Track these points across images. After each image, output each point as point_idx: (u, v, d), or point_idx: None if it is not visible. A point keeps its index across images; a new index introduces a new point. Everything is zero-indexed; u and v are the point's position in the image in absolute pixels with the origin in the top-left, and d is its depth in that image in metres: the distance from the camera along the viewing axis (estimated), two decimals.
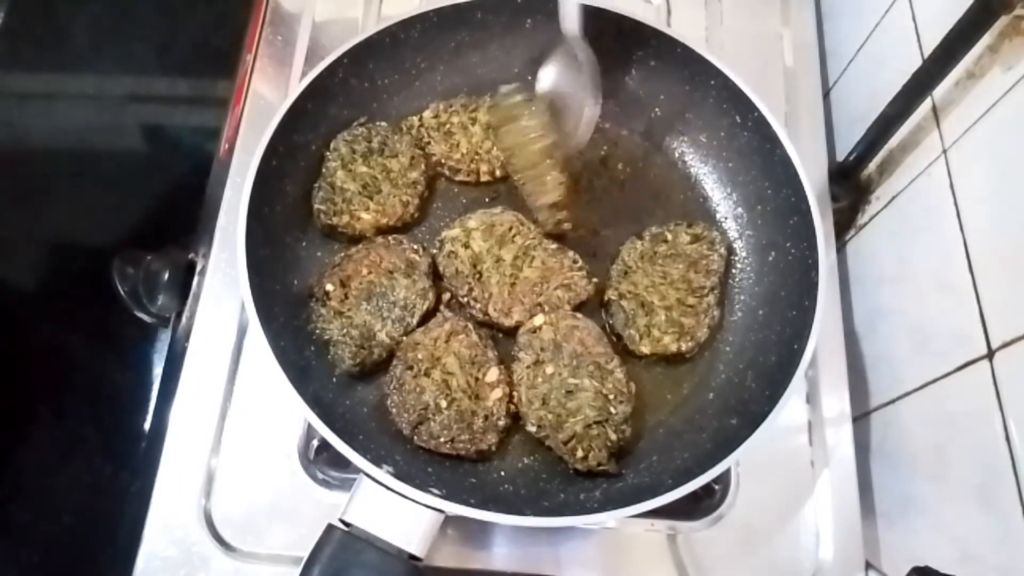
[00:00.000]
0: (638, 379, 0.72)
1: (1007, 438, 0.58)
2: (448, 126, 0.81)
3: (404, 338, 0.71)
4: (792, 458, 0.75)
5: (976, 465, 0.61)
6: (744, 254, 0.79)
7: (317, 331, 0.72)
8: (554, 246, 0.75)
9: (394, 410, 0.68)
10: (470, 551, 0.70)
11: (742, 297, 0.77)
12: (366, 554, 0.58)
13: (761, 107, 0.75)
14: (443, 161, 0.81)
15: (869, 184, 0.83)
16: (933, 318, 0.69)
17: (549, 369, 0.69)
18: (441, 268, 0.74)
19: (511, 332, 0.73)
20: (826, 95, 0.94)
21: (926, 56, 0.71)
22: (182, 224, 0.91)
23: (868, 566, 0.71)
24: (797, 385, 0.64)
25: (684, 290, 0.74)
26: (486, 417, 0.68)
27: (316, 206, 0.76)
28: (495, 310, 0.73)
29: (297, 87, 0.74)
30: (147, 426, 0.77)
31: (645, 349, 0.73)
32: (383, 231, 0.77)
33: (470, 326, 0.71)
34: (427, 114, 0.82)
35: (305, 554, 0.58)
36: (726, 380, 0.73)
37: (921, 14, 0.76)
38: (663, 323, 0.73)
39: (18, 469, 0.82)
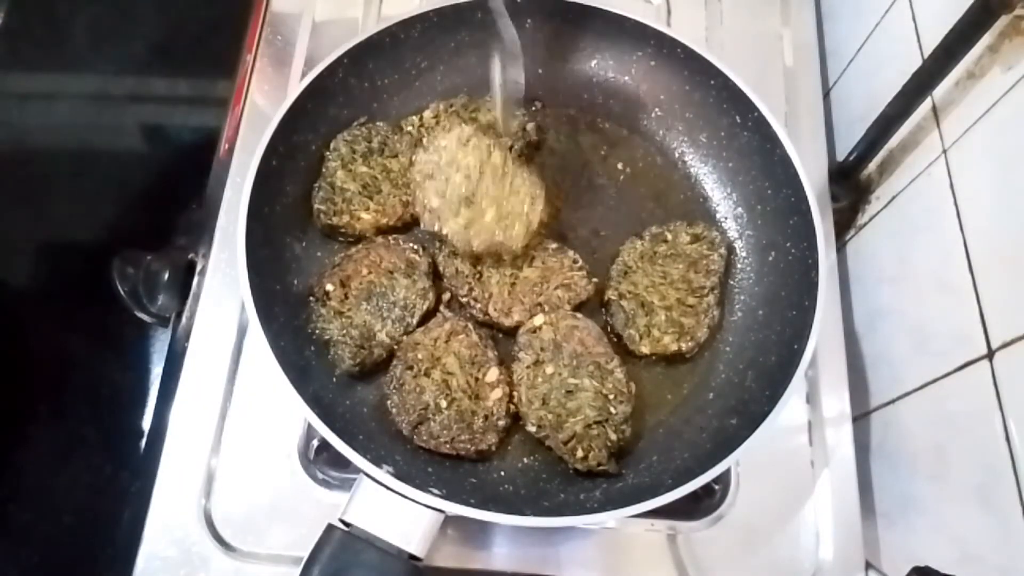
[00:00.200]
0: (638, 379, 0.71)
1: (1007, 438, 0.58)
2: (448, 126, 0.81)
3: (404, 338, 0.71)
4: (792, 458, 0.75)
5: (976, 465, 0.61)
6: (744, 254, 0.79)
7: (317, 331, 0.72)
8: (554, 246, 0.75)
9: (394, 410, 0.68)
10: (470, 551, 0.70)
11: (742, 297, 0.77)
12: (366, 554, 0.58)
13: (761, 107, 0.75)
14: None
15: (869, 184, 0.83)
16: (933, 318, 0.69)
17: (549, 369, 0.69)
18: (441, 268, 0.74)
19: (511, 332, 0.73)
20: (826, 95, 0.94)
21: (926, 56, 0.71)
22: (182, 224, 0.91)
23: (868, 566, 0.71)
24: (797, 385, 0.64)
25: (684, 290, 0.74)
26: (486, 417, 0.68)
27: (316, 206, 0.76)
28: (495, 310, 0.73)
29: (297, 87, 0.74)
30: (147, 426, 0.77)
31: (645, 349, 0.73)
32: (383, 231, 0.77)
33: (470, 326, 0.71)
34: (427, 114, 0.82)
35: (305, 554, 0.58)
36: (726, 380, 0.73)
37: (921, 14, 0.76)
38: (663, 323, 0.73)
39: (18, 469, 0.82)
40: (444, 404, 0.68)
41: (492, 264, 0.74)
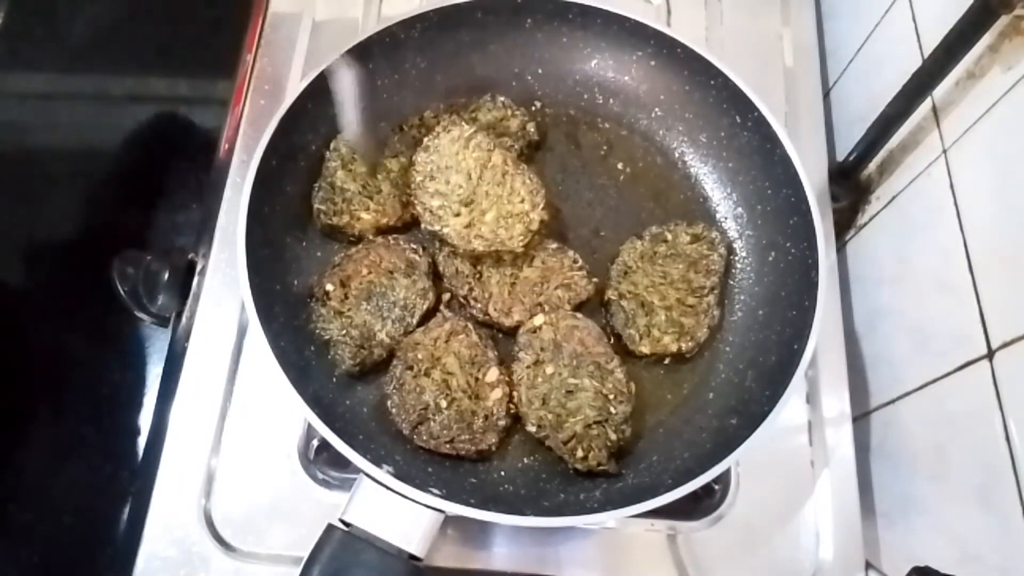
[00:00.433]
0: (638, 379, 0.71)
1: (1007, 438, 0.58)
2: (448, 126, 0.81)
3: (404, 338, 0.71)
4: (792, 458, 0.75)
5: (976, 465, 0.61)
6: (744, 254, 0.79)
7: (317, 331, 0.72)
8: (554, 246, 0.75)
9: (394, 410, 0.68)
10: (470, 551, 0.70)
11: (742, 297, 0.77)
12: (366, 554, 0.58)
13: (761, 107, 0.75)
14: None
15: (869, 184, 0.83)
16: (933, 318, 0.69)
17: (549, 369, 0.69)
18: (441, 268, 0.74)
19: (511, 332, 0.73)
20: (826, 95, 0.94)
21: (926, 56, 0.71)
22: (182, 224, 0.91)
23: (868, 566, 0.71)
24: (797, 385, 0.64)
25: (684, 290, 0.74)
26: (486, 417, 0.68)
27: (316, 206, 0.76)
28: (495, 310, 0.73)
29: (297, 87, 0.74)
30: (147, 426, 0.77)
31: (645, 349, 0.73)
32: (383, 231, 0.77)
33: (470, 326, 0.71)
34: (427, 114, 0.82)
35: (305, 554, 0.58)
36: (726, 380, 0.73)
37: (921, 14, 0.76)
38: (663, 323, 0.73)
39: (18, 469, 0.82)
40: (444, 404, 0.68)
41: (492, 264, 0.74)
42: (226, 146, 0.86)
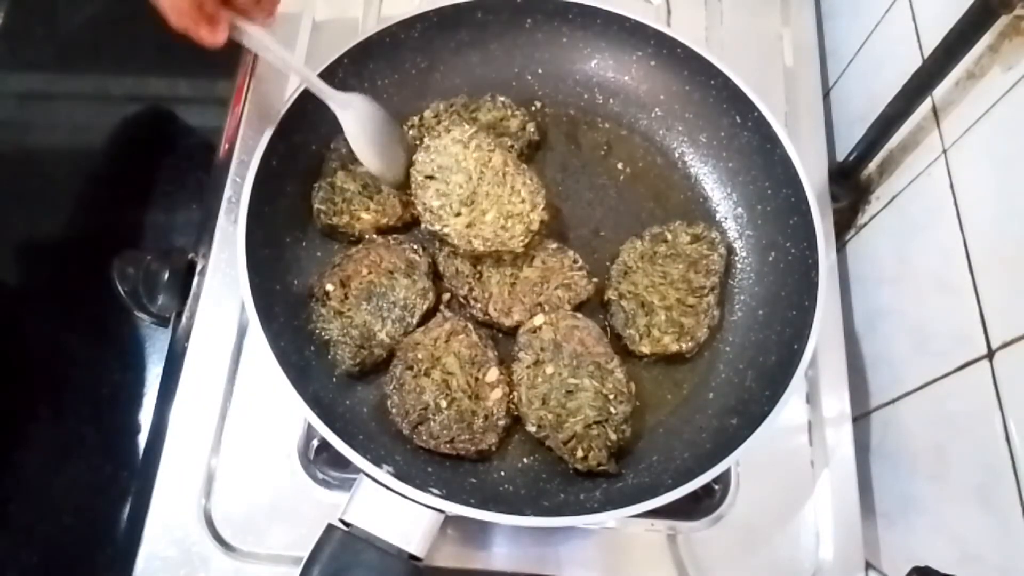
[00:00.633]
0: (638, 379, 0.71)
1: (1007, 438, 0.58)
2: (449, 126, 0.81)
3: (404, 338, 0.71)
4: (792, 458, 0.75)
5: (976, 465, 0.61)
6: (744, 254, 0.79)
7: (317, 331, 0.72)
8: (554, 246, 0.75)
9: (394, 410, 0.68)
10: (470, 551, 0.70)
11: (742, 297, 0.77)
12: (366, 554, 0.58)
13: (761, 107, 0.75)
14: None
15: (869, 184, 0.83)
16: (933, 318, 0.69)
17: (549, 369, 0.69)
18: (441, 268, 0.74)
19: (511, 332, 0.73)
20: (826, 95, 0.94)
21: (926, 56, 0.71)
22: (182, 224, 0.92)
23: (868, 566, 0.71)
24: (797, 385, 0.64)
25: (684, 290, 0.74)
26: (486, 417, 0.68)
27: (316, 206, 0.76)
28: (495, 310, 0.73)
29: (297, 87, 0.74)
30: (147, 426, 0.77)
31: (645, 349, 0.73)
32: (383, 231, 0.77)
33: (470, 326, 0.71)
34: (427, 114, 0.82)
35: (305, 554, 0.58)
36: (726, 380, 0.73)
37: (921, 14, 0.76)
38: (663, 323, 0.73)
39: (18, 469, 0.82)
40: (444, 404, 0.68)
41: (492, 264, 0.74)
42: (226, 146, 0.86)
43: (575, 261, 0.75)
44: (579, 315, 0.72)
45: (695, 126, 0.83)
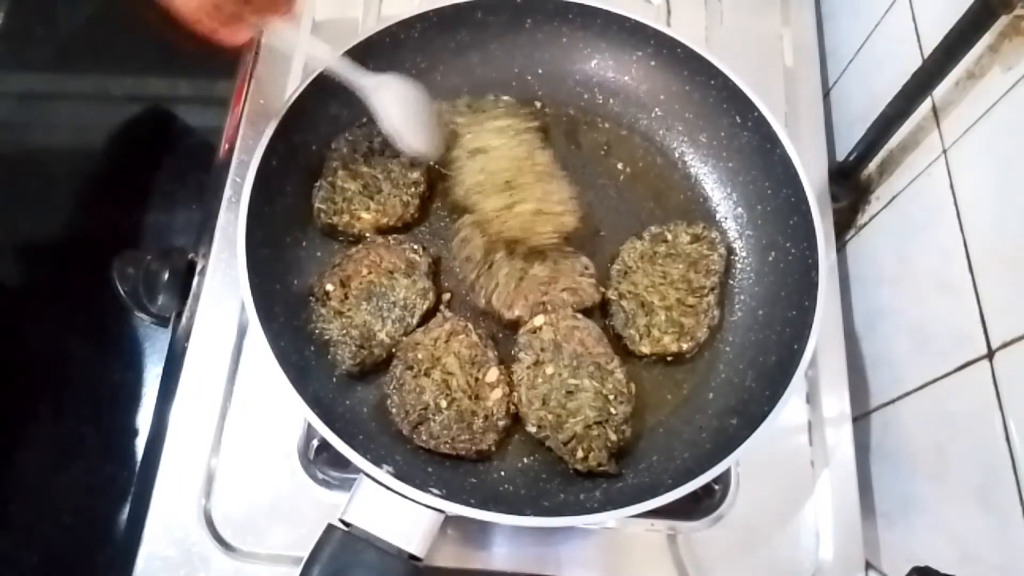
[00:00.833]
0: (638, 379, 0.71)
1: (1007, 438, 0.58)
2: (449, 126, 0.81)
3: (404, 338, 0.71)
4: (792, 458, 0.75)
5: (976, 465, 0.61)
6: (744, 254, 0.79)
7: (317, 331, 0.72)
8: (569, 249, 0.75)
9: (394, 410, 0.68)
10: (470, 551, 0.70)
11: (742, 297, 0.77)
12: (366, 554, 0.58)
13: (761, 107, 0.75)
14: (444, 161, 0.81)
15: (869, 184, 0.83)
16: (933, 318, 0.69)
17: (549, 369, 0.69)
18: (454, 251, 0.74)
19: (510, 327, 0.73)
20: (826, 95, 0.94)
21: (926, 56, 0.71)
22: (182, 224, 0.92)
23: (868, 566, 0.71)
24: (797, 385, 0.64)
25: (684, 290, 0.74)
26: (486, 417, 0.68)
27: (316, 206, 0.76)
28: (498, 300, 0.72)
29: (297, 87, 0.74)
30: (147, 426, 0.77)
31: (645, 349, 0.73)
32: (383, 231, 0.77)
33: (470, 326, 0.71)
34: None
35: (305, 554, 0.58)
36: (726, 380, 0.73)
37: (921, 14, 0.76)
38: (663, 323, 0.73)
39: (18, 469, 0.82)
40: (444, 404, 0.68)
41: (504, 256, 0.73)
42: (226, 146, 0.86)
43: (586, 267, 0.75)
44: (579, 316, 0.72)
45: (695, 126, 0.83)
